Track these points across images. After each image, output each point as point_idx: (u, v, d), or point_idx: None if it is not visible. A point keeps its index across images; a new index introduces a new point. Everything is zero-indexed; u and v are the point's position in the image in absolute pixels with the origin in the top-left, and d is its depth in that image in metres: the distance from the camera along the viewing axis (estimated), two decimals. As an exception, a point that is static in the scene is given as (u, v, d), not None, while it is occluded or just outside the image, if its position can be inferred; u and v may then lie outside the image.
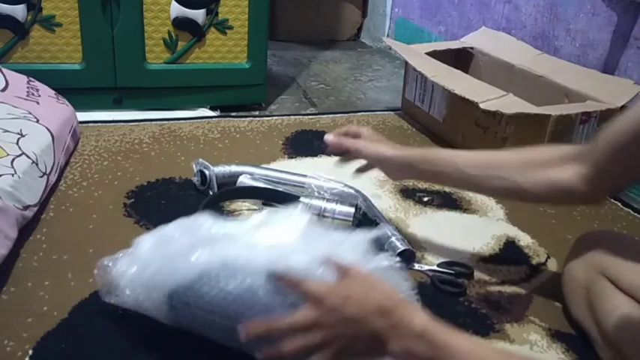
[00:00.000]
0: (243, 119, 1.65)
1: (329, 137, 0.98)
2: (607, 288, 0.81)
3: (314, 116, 1.73)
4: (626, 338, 0.76)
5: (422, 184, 1.31)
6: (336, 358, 0.63)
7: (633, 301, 0.77)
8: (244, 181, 1.18)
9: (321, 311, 0.63)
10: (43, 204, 1.10)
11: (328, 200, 1.09)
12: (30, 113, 1.23)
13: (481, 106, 1.32)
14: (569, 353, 0.84)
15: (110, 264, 0.80)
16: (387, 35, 2.61)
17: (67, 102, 1.43)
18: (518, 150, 0.89)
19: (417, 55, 1.65)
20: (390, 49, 2.41)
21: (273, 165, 1.34)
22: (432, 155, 0.92)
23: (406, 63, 1.71)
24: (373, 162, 0.97)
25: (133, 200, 1.17)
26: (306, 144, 1.51)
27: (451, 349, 0.58)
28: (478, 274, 1.01)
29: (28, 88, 1.36)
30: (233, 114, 1.69)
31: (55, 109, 1.35)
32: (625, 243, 0.86)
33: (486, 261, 1.05)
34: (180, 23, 1.58)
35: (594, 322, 0.82)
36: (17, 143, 1.10)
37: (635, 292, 0.77)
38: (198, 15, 1.59)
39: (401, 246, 1.01)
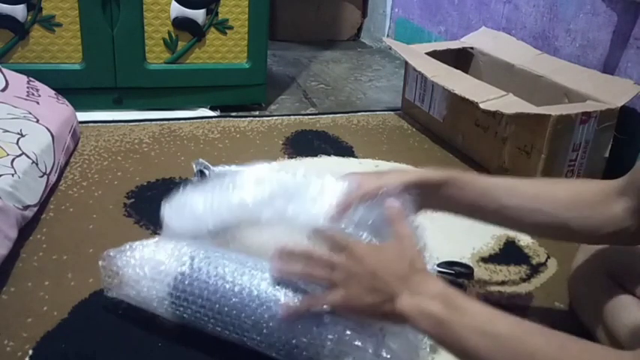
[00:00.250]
0: (243, 119, 1.65)
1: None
2: (614, 289, 0.81)
3: (314, 116, 1.73)
4: (633, 338, 0.75)
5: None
6: (344, 301, 0.67)
7: None
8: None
9: (350, 259, 0.67)
10: (43, 204, 1.10)
11: None
12: (30, 113, 1.23)
13: (481, 106, 1.32)
14: (569, 353, 0.84)
15: (116, 255, 0.80)
16: (387, 35, 2.61)
17: (67, 102, 1.43)
18: (559, 182, 0.82)
19: (417, 55, 1.65)
20: (390, 49, 2.41)
21: (273, 165, 1.34)
22: (458, 178, 0.77)
23: (406, 63, 1.71)
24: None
25: (133, 200, 1.17)
26: (306, 144, 1.51)
27: (464, 311, 0.59)
28: (478, 274, 1.01)
29: (28, 88, 1.36)
30: (233, 114, 1.69)
31: (55, 109, 1.35)
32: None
33: (486, 261, 1.05)
34: (180, 23, 1.58)
35: (601, 322, 0.82)
36: (17, 143, 1.10)
37: None
38: (198, 15, 1.59)
39: None
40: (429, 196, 0.78)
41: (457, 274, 0.99)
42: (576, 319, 0.89)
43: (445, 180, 0.77)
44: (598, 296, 0.83)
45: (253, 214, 0.76)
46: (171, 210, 0.83)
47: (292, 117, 1.70)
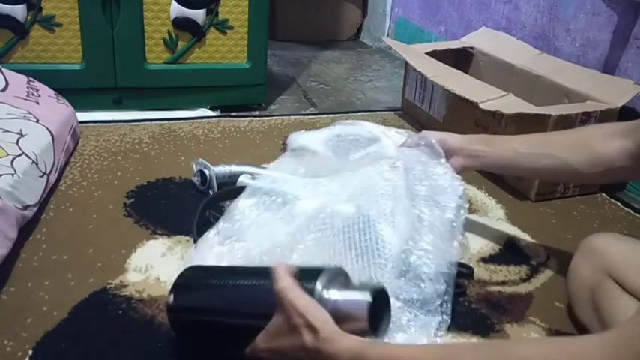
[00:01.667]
0: (243, 119, 1.65)
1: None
2: (613, 289, 0.81)
3: (314, 116, 1.73)
4: None
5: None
6: None
7: (639, 303, 0.77)
8: (244, 181, 1.18)
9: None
10: (43, 204, 1.10)
11: None
12: (30, 113, 1.23)
13: (481, 106, 1.32)
14: (569, 353, 0.84)
15: None
16: (387, 35, 2.61)
17: (67, 102, 1.43)
18: (566, 131, 0.95)
19: (417, 55, 1.65)
20: (390, 49, 2.41)
21: (273, 164, 1.34)
22: (486, 136, 0.98)
23: (406, 63, 1.71)
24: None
25: (133, 200, 1.17)
26: (306, 144, 1.51)
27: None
28: (478, 274, 1.01)
29: (28, 88, 1.36)
30: (233, 114, 1.69)
31: (55, 109, 1.35)
32: (630, 245, 0.85)
33: (486, 261, 1.05)
34: (180, 23, 1.58)
35: (599, 322, 0.82)
36: (17, 143, 1.10)
37: None
38: (198, 15, 1.59)
39: None
40: (464, 153, 0.96)
41: (457, 274, 0.99)
42: (576, 319, 0.89)
43: (475, 138, 0.97)
44: (597, 296, 0.83)
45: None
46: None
47: (292, 117, 1.70)
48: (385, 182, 0.91)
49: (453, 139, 0.98)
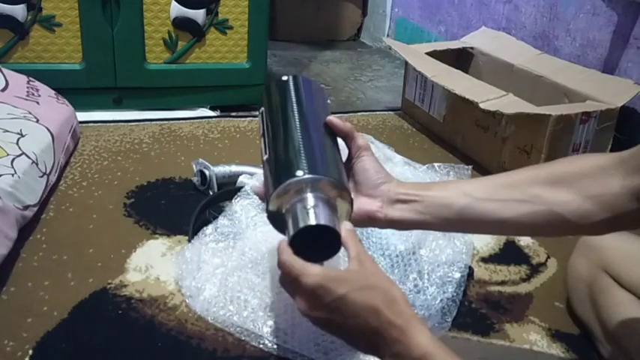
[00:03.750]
0: (243, 119, 1.64)
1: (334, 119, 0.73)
2: (609, 284, 0.81)
3: (314, 116, 1.73)
4: (628, 334, 0.76)
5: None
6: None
7: (635, 298, 0.78)
8: (244, 181, 1.18)
9: (305, 300, 0.56)
10: (43, 204, 1.09)
11: None
12: (30, 113, 1.23)
13: (481, 106, 1.32)
14: (569, 353, 0.84)
15: None
16: (387, 35, 2.61)
17: (67, 102, 1.43)
18: (538, 165, 0.69)
19: (417, 55, 1.65)
20: (390, 49, 2.41)
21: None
22: (430, 185, 0.67)
23: (406, 63, 1.71)
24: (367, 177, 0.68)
25: (133, 200, 1.17)
26: (306, 144, 1.51)
27: None
28: (478, 274, 1.01)
29: (28, 88, 1.36)
30: (233, 114, 1.69)
31: (55, 109, 1.35)
32: (626, 241, 0.86)
33: (486, 261, 1.05)
34: (180, 23, 1.58)
35: (596, 318, 0.82)
36: (17, 143, 1.10)
37: (636, 289, 0.78)
38: (198, 15, 1.59)
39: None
40: (384, 195, 0.65)
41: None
42: (575, 317, 0.89)
43: (407, 183, 0.67)
44: (594, 292, 0.83)
45: None
46: None
47: (292, 117, 1.70)
48: None
49: (378, 174, 0.67)
